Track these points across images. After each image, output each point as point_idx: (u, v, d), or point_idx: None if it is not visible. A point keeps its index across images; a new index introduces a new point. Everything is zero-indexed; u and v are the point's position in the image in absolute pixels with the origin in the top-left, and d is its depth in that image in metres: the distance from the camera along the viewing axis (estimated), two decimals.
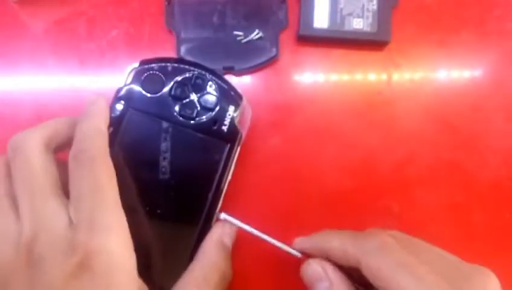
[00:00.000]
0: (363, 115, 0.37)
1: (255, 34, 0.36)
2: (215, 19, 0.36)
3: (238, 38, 0.36)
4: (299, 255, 0.29)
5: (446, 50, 0.38)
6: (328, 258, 0.27)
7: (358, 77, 0.37)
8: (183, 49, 0.36)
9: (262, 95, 0.37)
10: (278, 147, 0.36)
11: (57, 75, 0.37)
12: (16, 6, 0.37)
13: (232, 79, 0.36)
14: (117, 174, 0.24)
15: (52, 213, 0.22)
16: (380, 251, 0.24)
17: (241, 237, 0.31)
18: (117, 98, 0.28)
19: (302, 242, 0.29)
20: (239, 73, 0.36)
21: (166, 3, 0.36)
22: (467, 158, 0.37)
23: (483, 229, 0.36)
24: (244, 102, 0.30)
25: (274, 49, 0.36)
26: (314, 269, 0.27)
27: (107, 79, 0.37)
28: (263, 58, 0.36)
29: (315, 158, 0.36)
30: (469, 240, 0.36)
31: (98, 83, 0.37)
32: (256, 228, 0.29)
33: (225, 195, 0.30)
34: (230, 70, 0.36)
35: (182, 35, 0.36)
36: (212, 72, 0.29)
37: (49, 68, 0.37)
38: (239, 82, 0.37)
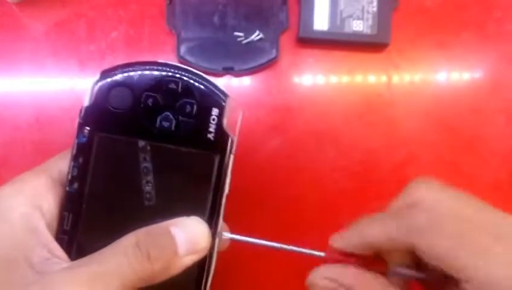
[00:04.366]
0: (363, 116, 0.37)
1: (256, 35, 0.36)
2: (216, 19, 0.36)
3: (239, 39, 0.36)
4: (322, 254, 0.25)
5: (446, 52, 0.38)
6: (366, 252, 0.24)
7: (358, 79, 0.37)
8: (183, 48, 0.36)
9: (262, 96, 0.36)
10: (277, 149, 0.36)
11: (57, 77, 0.37)
12: (16, 8, 0.37)
13: (231, 80, 0.36)
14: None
15: None
16: (429, 227, 0.22)
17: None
18: (81, 122, 0.24)
19: (338, 240, 0.25)
20: (238, 74, 0.36)
21: (168, 2, 0.36)
22: (466, 160, 0.37)
23: None
24: (230, 100, 0.25)
25: (274, 51, 0.36)
26: (322, 286, 0.24)
27: None
28: (263, 60, 0.36)
29: (315, 160, 0.36)
30: None
31: None
32: (266, 239, 0.25)
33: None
34: (229, 70, 0.36)
35: (183, 34, 0.36)
36: (186, 70, 0.24)
37: (48, 70, 0.37)
38: (238, 83, 0.37)
